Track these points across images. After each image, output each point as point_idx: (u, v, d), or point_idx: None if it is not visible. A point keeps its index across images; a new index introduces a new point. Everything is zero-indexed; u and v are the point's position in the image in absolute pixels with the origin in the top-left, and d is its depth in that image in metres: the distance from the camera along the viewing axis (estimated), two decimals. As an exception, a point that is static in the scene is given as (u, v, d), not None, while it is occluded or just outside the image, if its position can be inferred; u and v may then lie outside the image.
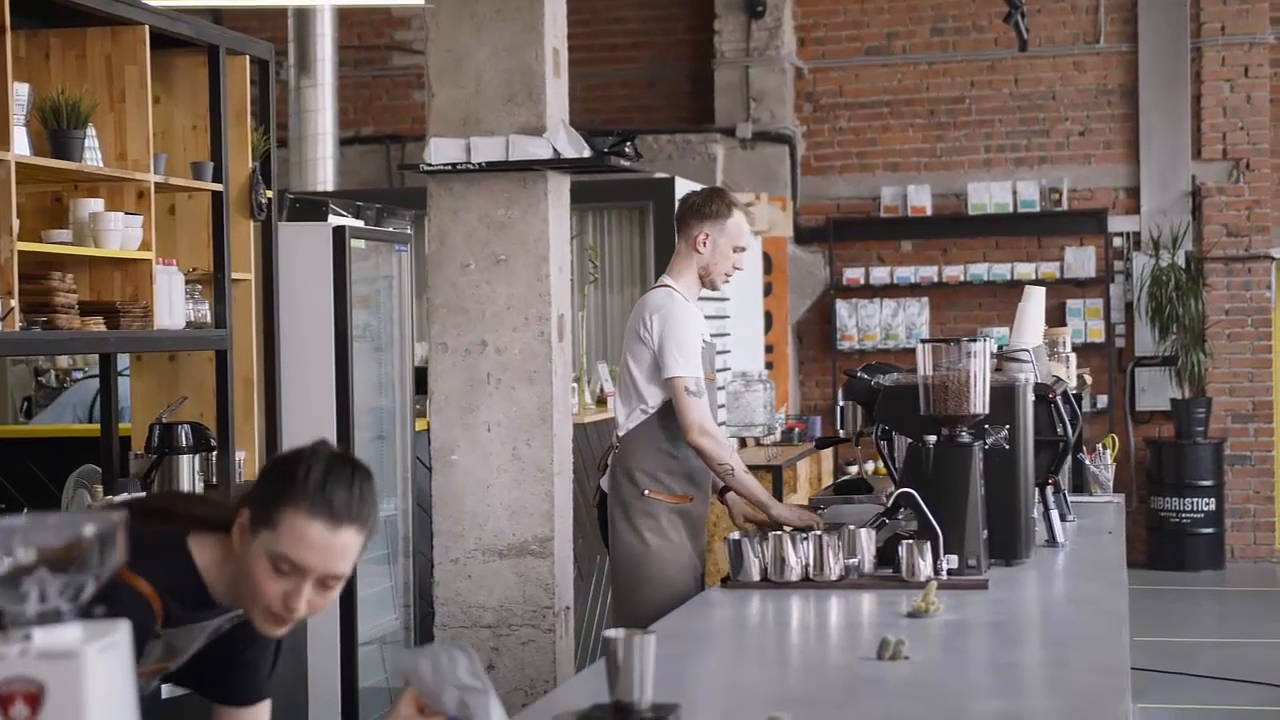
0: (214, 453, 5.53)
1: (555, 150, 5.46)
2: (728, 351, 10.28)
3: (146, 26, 5.10)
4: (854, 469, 10.73)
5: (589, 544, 7.35)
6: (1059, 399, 4.93)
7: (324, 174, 10.62)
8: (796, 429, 10.68)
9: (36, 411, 8.15)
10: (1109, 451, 6.31)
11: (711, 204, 5.20)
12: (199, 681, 2.85)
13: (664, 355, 5.02)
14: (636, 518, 5.14)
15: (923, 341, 4.39)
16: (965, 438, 4.32)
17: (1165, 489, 12.15)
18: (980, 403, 4.31)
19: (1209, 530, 12.11)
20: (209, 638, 2.76)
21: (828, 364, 12.69)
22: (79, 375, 8.22)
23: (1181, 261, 12.24)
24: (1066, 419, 4.94)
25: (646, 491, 5.13)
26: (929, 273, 12.65)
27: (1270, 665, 8.94)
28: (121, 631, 1.75)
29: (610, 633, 2.70)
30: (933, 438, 4.32)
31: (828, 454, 10.79)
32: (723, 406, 9.64)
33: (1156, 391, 12.43)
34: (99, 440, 5.63)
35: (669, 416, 5.14)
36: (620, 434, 5.26)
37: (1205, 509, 12.08)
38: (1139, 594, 10.83)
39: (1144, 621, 9.88)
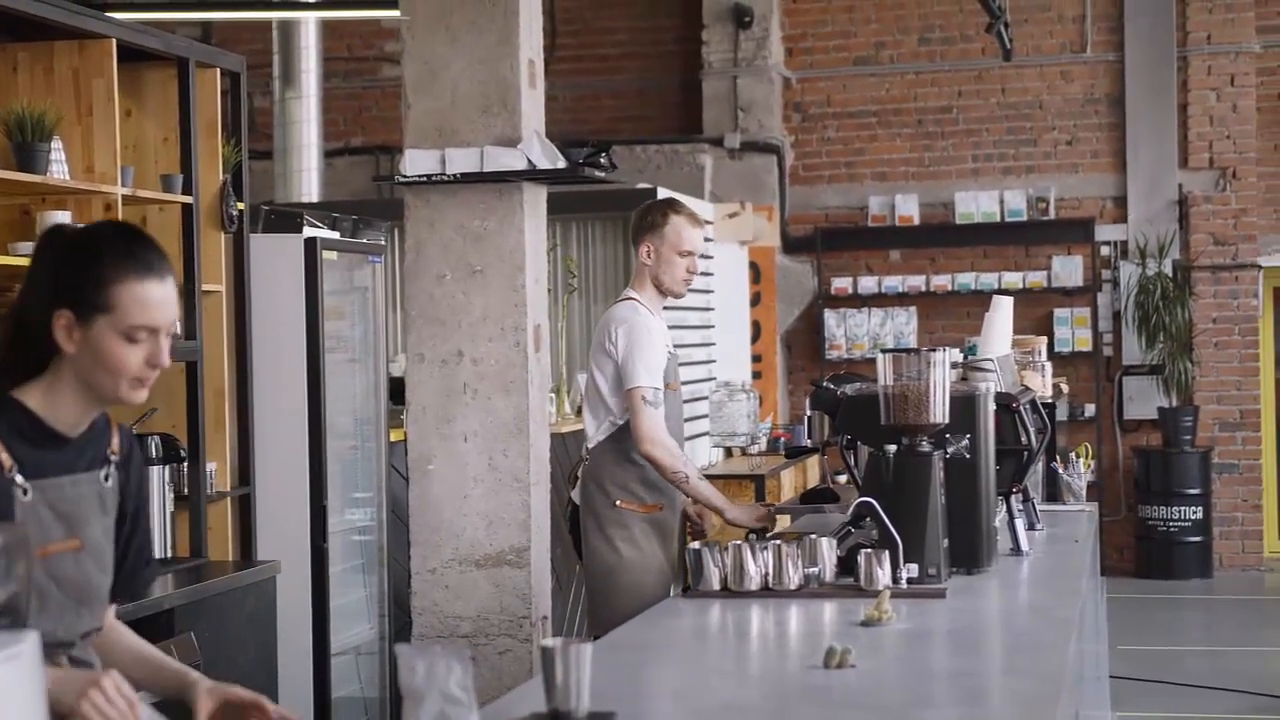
0: (184, 464, 5.54)
1: (530, 161, 5.47)
2: (713, 361, 10.30)
3: (114, 40, 5.12)
4: (843, 479, 10.72)
5: (567, 554, 7.36)
6: (1024, 408, 4.94)
7: (309, 185, 10.65)
8: (783, 439, 10.68)
9: None
10: (1082, 460, 6.32)
11: (648, 216, 5.31)
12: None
13: (626, 366, 5.10)
14: (609, 528, 5.19)
15: (883, 351, 4.41)
16: (925, 447, 4.33)
17: (1153, 497, 12.15)
18: (940, 412, 4.32)
19: (1197, 539, 12.12)
20: (96, 505, 2.78)
21: (816, 373, 12.68)
22: None
23: (1169, 270, 12.26)
24: (1031, 428, 4.94)
25: (618, 502, 5.19)
26: (917, 282, 12.67)
27: (1256, 674, 8.95)
28: (28, 643, 1.77)
29: (546, 642, 2.73)
30: (893, 447, 4.33)
31: (813, 463, 10.79)
32: (704, 417, 9.67)
33: (1144, 400, 12.44)
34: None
35: None
36: (589, 445, 5.31)
37: (1193, 517, 12.09)
38: (1126, 602, 10.86)
39: (1130, 630, 9.88)
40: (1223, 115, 12.45)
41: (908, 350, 4.40)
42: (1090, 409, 12.40)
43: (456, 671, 2.46)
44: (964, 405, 4.47)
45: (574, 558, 7.57)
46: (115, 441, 2.85)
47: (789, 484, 9.78)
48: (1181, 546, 12.10)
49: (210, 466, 5.73)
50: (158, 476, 5.38)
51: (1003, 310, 5.65)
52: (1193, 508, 12.08)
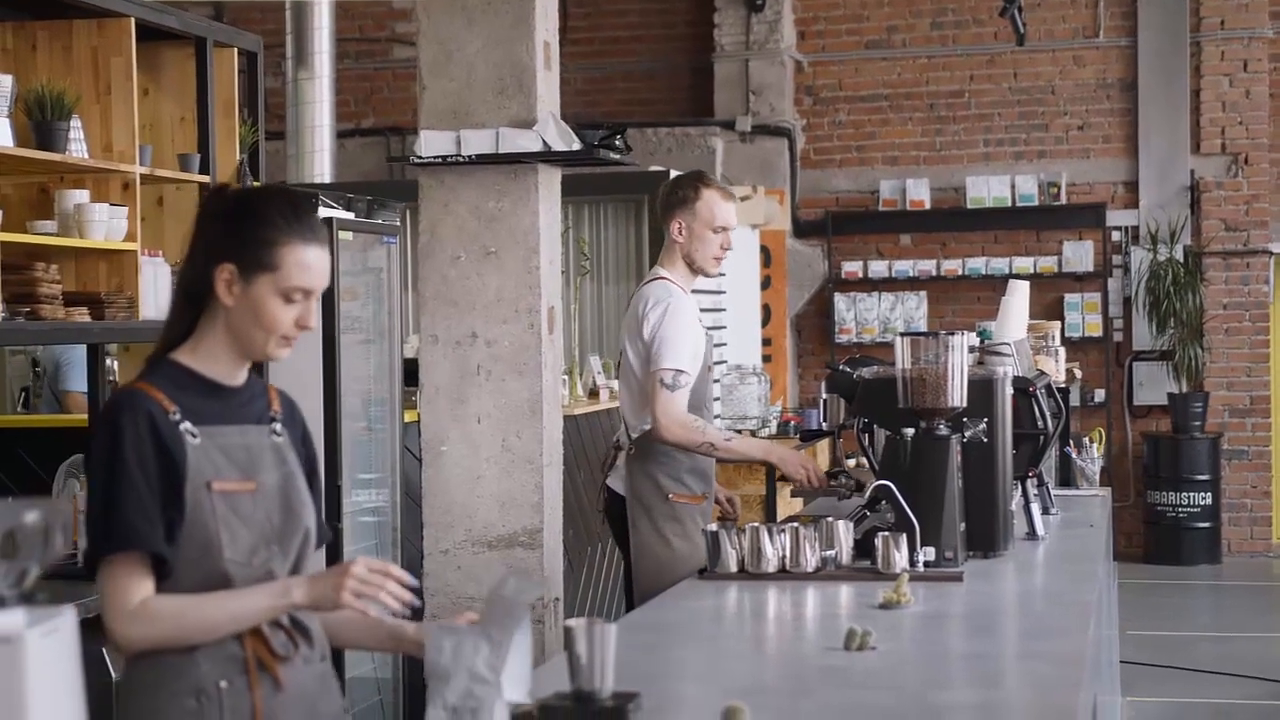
0: (200, 443, 5.54)
1: (545, 143, 5.46)
2: (724, 344, 10.30)
3: (132, 19, 5.13)
4: (851, 462, 10.72)
5: (579, 536, 7.37)
6: (1040, 392, 4.94)
7: (321, 166, 10.63)
8: (793, 422, 10.68)
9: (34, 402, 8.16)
10: (1095, 445, 6.32)
11: (678, 190, 5.22)
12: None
13: (654, 346, 5.02)
14: (661, 521, 5.12)
15: (901, 335, 4.41)
16: (943, 430, 4.33)
17: (1162, 483, 12.16)
18: (958, 396, 4.32)
19: (1206, 524, 12.13)
20: (271, 456, 2.85)
21: (826, 357, 12.68)
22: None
23: (1179, 256, 12.25)
24: (1048, 412, 4.94)
25: (671, 495, 5.12)
26: (927, 266, 12.67)
27: (1264, 659, 8.96)
28: (66, 617, 1.78)
29: (571, 622, 2.72)
30: (910, 430, 4.33)
31: (825, 446, 10.80)
32: (717, 399, 9.68)
33: (1154, 386, 12.44)
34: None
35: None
36: (634, 435, 5.22)
37: (1202, 503, 12.09)
38: (1135, 588, 10.86)
39: (1139, 615, 9.89)
40: (1235, 101, 12.44)
41: (926, 334, 4.39)
42: (1100, 394, 12.40)
43: (484, 651, 2.46)
44: (981, 389, 4.47)
45: (586, 540, 7.60)
46: (275, 402, 2.95)
47: (799, 467, 9.78)
48: (1190, 532, 12.11)
49: (225, 446, 5.73)
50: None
51: (1019, 294, 5.64)
52: (1202, 493, 12.08)
